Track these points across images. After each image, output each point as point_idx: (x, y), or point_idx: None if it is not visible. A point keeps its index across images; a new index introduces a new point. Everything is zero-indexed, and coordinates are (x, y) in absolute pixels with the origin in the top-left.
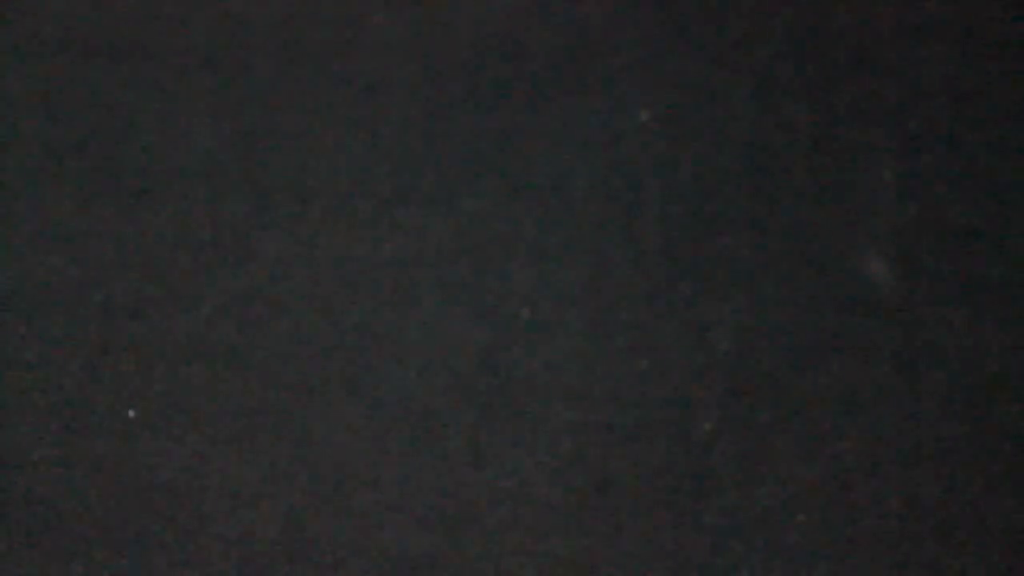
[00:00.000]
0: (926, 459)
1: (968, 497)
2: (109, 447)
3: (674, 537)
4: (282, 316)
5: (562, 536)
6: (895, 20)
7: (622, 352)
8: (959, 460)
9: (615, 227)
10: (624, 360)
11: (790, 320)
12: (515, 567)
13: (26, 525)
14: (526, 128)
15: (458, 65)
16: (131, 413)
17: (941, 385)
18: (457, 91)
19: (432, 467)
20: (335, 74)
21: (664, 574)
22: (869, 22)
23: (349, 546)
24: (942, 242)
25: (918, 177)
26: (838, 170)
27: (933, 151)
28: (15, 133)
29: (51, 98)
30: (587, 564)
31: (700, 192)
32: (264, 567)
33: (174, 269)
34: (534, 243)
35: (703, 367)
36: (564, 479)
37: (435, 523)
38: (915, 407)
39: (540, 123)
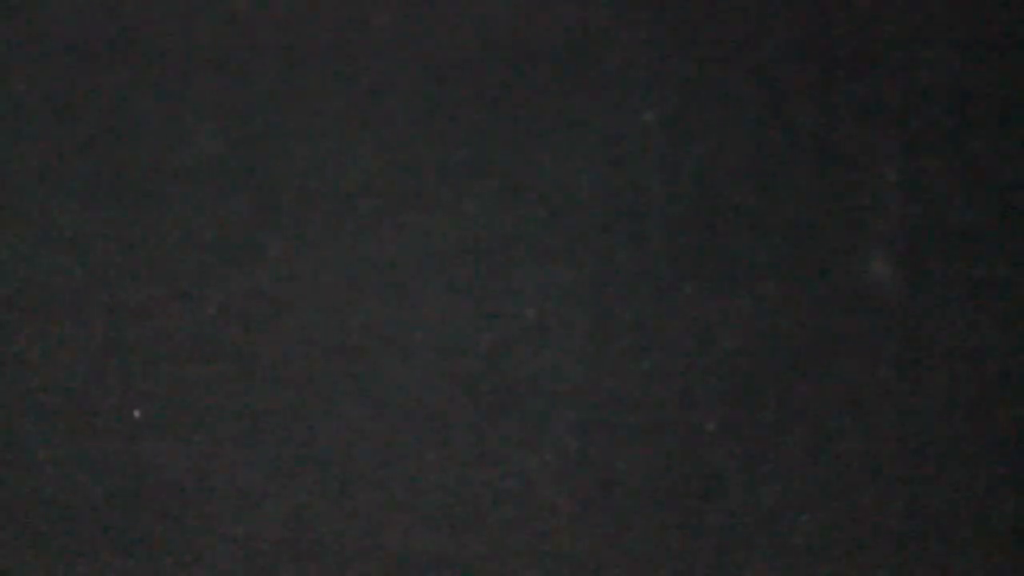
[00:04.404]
0: (929, 459)
1: (971, 497)
2: (114, 447)
3: (678, 537)
4: (287, 316)
5: (567, 536)
6: (898, 21)
7: (626, 352)
8: (962, 460)
9: (619, 227)
10: (628, 360)
11: (794, 320)
12: (520, 567)
13: (31, 525)
14: (529, 129)
15: (462, 66)
16: (136, 413)
17: (944, 385)
18: (461, 92)
19: (437, 467)
20: (339, 75)
21: (668, 574)
22: (872, 23)
23: (355, 546)
24: (945, 242)
25: (921, 177)
26: (841, 171)
27: (936, 152)
28: (20, 133)
29: (55, 99)
30: (592, 564)
31: (704, 193)
32: (270, 567)
33: (179, 269)
34: (538, 244)
35: (707, 367)
36: (569, 479)
37: (440, 523)
38: (919, 407)
39: (544, 124)
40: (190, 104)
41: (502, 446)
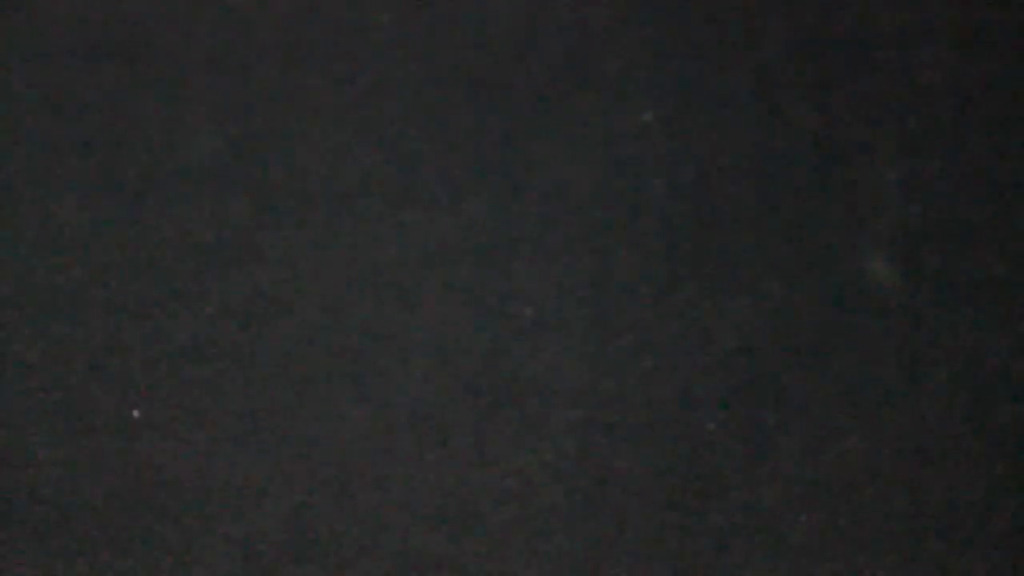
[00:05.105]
0: (930, 458)
1: (972, 496)
2: (113, 447)
3: (678, 537)
4: (286, 316)
5: (565, 535)
6: (896, 21)
7: (625, 351)
8: (962, 459)
9: (618, 227)
10: (627, 359)
11: (793, 319)
12: (519, 566)
13: (31, 525)
14: (529, 129)
15: (461, 66)
16: (135, 413)
17: (944, 384)
18: (460, 92)
19: (436, 466)
20: (338, 75)
21: (667, 573)
22: (871, 23)
23: (354, 545)
24: (945, 242)
25: (920, 177)
26: (841, 170)
27: (935, 151)
28: (19, 133)
29: (55, 98)
30: (590, 563)
31: (703, 192)
32: (269, 567)
33: (178, 269)
34: (537, 243)
35: (706, 366)
36: (567, 478)
37: (439, 522)
38: (918, 406)
39: (543, 124)
40: (190, 104)
41: (501, 445)
